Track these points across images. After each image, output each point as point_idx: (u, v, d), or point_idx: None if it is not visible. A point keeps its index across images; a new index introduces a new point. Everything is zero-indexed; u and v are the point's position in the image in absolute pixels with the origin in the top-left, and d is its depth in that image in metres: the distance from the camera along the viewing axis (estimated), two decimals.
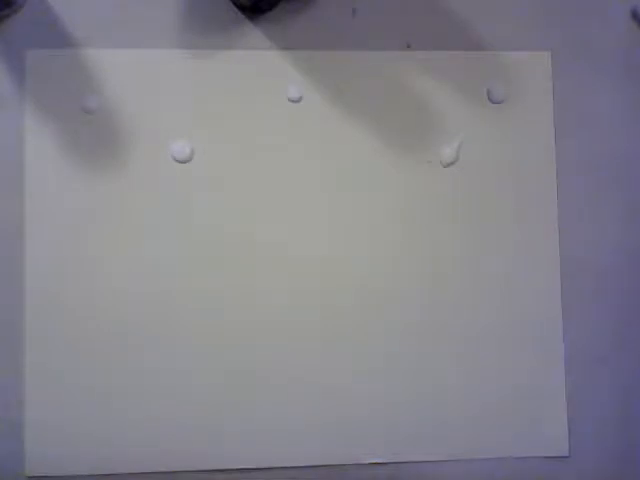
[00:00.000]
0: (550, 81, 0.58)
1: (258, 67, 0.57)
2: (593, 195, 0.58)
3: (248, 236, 0.56)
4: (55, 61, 0.55)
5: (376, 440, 0.55)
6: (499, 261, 0.57)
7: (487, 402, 0.56)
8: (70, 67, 0.56)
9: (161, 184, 0.56)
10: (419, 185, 0.57)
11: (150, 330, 0.55)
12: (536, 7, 0.59)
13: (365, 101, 0.57)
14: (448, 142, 0.57)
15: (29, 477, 0.53)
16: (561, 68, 0.59)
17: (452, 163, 0.57)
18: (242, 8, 0.57)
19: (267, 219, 0.56)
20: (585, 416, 0.57)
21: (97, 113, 0.56)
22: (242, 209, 0.56)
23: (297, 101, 0.57)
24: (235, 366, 0.55)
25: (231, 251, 0.55)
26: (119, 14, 0.56)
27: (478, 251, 0.57)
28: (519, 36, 0.59)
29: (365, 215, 0.56)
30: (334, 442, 0.55)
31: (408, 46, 0.58)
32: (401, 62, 0.58)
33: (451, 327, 0.56)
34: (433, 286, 0.56)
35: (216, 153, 0.56)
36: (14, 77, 0.55)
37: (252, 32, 0.57)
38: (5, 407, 0.53)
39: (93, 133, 0.55)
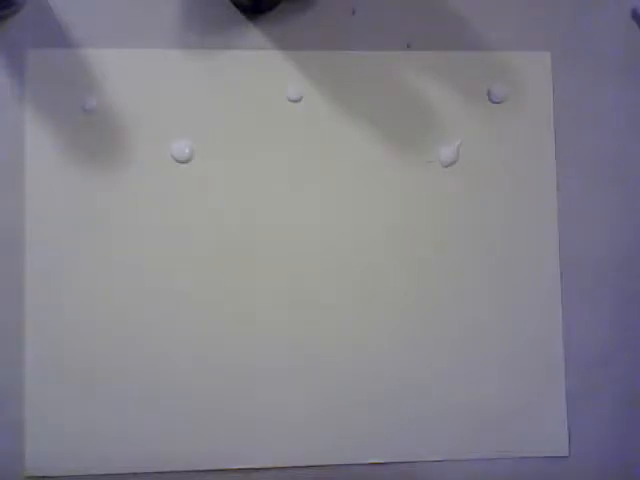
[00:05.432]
0: (550, 81, 0.58)
1: (258, 67, 0.57)
2: (593, 195, 0.58)
3: (248, 236, 0.56)
4: (55, 61, 0.55)
5: (376, 440, 0.55)
6: (499, 261, 0.57)
7: (487, 402, 0.56)
8: (70, 67, 0.56)
9: (161, 184, 0.56)
10: (419, 185, 0.57)
11: (150, 330, 0.54)
12: (536, 7, 0.59)
13: (365, 101, 0.57)
14: (448, 142, 0.57)
15: (28, 477, 0.53)
16: (561, 68, 0.59)
17: (452, 163, 0.57)
18: (242, 8, 0.57)
19: (267, 219, 0.56)
20: (585, 416, 0.57)
21: (97, 113, 0.56)
22: (242, 209, 0.56)
23: (297, 101, 0.57)
24: (234, 366, 0.55)
25: (231, 251, 0.55)
26: (119, 14, 0.56)
27: (478, 251, 0.57)
28: (519, 36, 0.59)
29: (365, 215, 0.56)
30: (334, 442, 0.55)
31: (408, 46, 0.58)
32: (401, 62, 0.58)
33: (451, 327, 0.56)
34: (433, 286, 0.56)
35: (216, 153, 0.56)
36: (14, 77, 0.55)
37: (252, 32, 0.57)
38: (5, 407, 0.53)
39: (93, 133, 0.55)
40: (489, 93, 0.58)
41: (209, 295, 0.55)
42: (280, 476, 0.55)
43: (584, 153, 0.58)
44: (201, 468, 0.54)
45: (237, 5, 0.57)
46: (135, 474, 0.54)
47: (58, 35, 0.56)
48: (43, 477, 0.53)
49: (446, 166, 0.57)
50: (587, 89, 0.59)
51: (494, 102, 0.58)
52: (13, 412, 0.53)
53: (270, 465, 0.55)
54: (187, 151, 0.56)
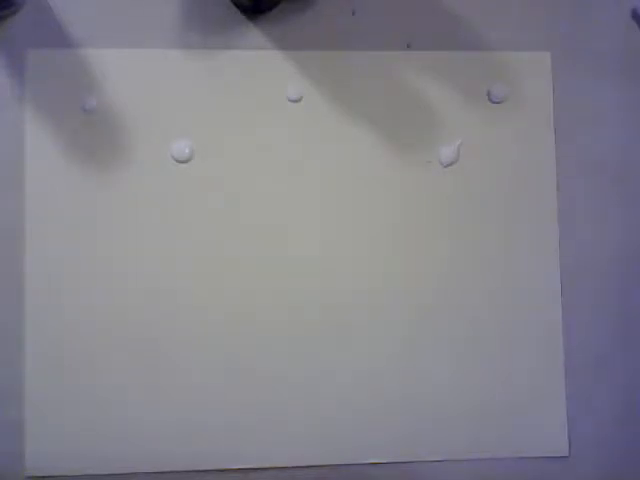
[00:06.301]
0: (550, 81, 0.58)
1: (258, 67, 0.57)
2: (593, 195, 0.58)
3: (248, 236, 0.56)
4: (55, 61, 0.55)
5: (376, 440, 0.55)
6: (499, 261, 0.57)
7: (487, 402, 0.56)
8: (70, 67, 0.56)
9: (161, 184, 0.56)
10: (419, 185, 0.57)
11: (150, 329, 0.55)
12: (536, 7, 0.59)
13: (365, 101, 0.57)
14: (448, 142, 0.57)
15: (28, 477, 0.53)
16: (561, 68, 0.59)
17: (452, 163, 0.57)
18: (242, 8, 0.57)
19: (266, 219, 0.56)
20: (585, 416, 0.57)
21: (97, 113, 0.56)
22: (242, 209, 0.56)
23: (297, 101, 0.57)
24: (235, 366, 0.55)
25: (231, 251, 0.55)
26: (119, 14, 0.56)
27: (478, 251, 0.57)
28: (519, 36, 0.59)
29: (365, 215, 0.56)
30: (334, 442, 0.55)
31: (408, 46, 0.58)
32: (401, 62, 0.58)
33: (451, 327, 0.56)
34: (433, 286, 0.56)
35: (216, 153, 0.56)
36: (14, 77, 0.55)
37: (252, 32, 0.57)
38: (5, 407, 0.53)
39: (93, 133, 0.55)
40: (489, 93, 0.58)
41: (209, 295, 0.55)
42: (280, 476, 0.55)
43: (584, 153, 0.58)
44: (201, 468, 0.54)
45: (237, 5, 0.57)
46: (135, 474, 0.54)
47: (58, 35, 0.56)
48: (43, 477, 0.53)
49: (446, 166, 0.57)
50: (587, 89, 0.59)
51: (494, 102, 0.58)
52: (13, 412, 0.53)
53: (270, 465, 0.55)
54: (187, 151, 0.56)
